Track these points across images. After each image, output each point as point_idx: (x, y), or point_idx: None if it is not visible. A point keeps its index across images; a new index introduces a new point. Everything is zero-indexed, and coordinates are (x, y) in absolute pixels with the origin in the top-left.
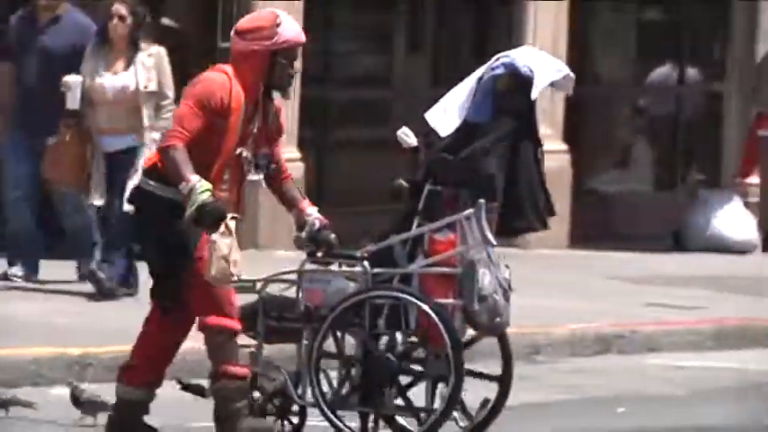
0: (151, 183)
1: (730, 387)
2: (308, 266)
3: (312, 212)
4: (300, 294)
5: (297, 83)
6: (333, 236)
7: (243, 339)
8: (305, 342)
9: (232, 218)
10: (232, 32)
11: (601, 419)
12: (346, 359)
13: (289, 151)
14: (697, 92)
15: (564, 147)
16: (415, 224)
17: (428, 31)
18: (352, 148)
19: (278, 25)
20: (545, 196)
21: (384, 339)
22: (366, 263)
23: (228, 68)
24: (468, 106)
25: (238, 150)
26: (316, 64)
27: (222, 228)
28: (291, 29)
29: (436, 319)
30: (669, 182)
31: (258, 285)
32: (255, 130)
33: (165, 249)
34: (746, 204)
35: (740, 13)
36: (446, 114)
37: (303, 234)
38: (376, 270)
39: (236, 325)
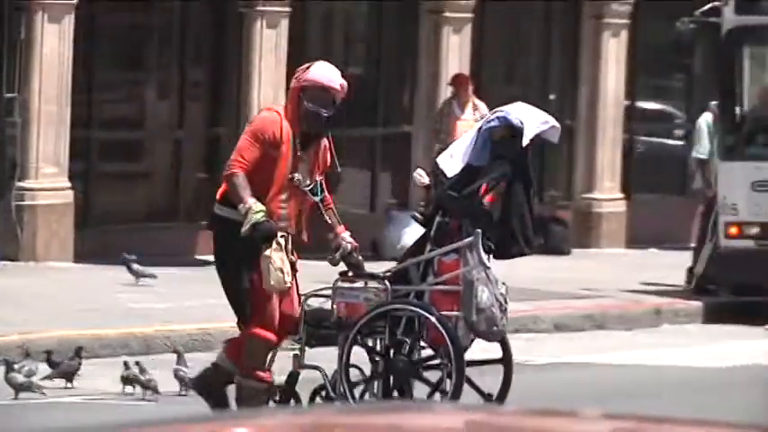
0: (224, 208)
1: None
2: (340, 284)
3: (346, 237)
4: (334, 306)
5: (68, 124)
6: (360, 258)
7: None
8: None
9: (281, 236)
10: None
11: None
12: (372, 361)
13: (60, 181)
14: (389, 133)
15: None
16: (427, 249)
17: (173, 83)
18: (112, 179)
19: (308, 69)
20: (533, 226)
21: (402, 345)
22: (387, 281)
23: (280, 108)
24: (470, 152)
25: (291, 175)
26: (81, 110)
27: (274, 244)
28: (318, 73)
29: (441, 329)
30: (369, 203)
31: (301, 299)
32: (307, 160)
33: (239, 265)
34: None
35: (425, 67)
36: (452, 159)
37: (337, 255)
38: (395, 287)
39: (275, 338)
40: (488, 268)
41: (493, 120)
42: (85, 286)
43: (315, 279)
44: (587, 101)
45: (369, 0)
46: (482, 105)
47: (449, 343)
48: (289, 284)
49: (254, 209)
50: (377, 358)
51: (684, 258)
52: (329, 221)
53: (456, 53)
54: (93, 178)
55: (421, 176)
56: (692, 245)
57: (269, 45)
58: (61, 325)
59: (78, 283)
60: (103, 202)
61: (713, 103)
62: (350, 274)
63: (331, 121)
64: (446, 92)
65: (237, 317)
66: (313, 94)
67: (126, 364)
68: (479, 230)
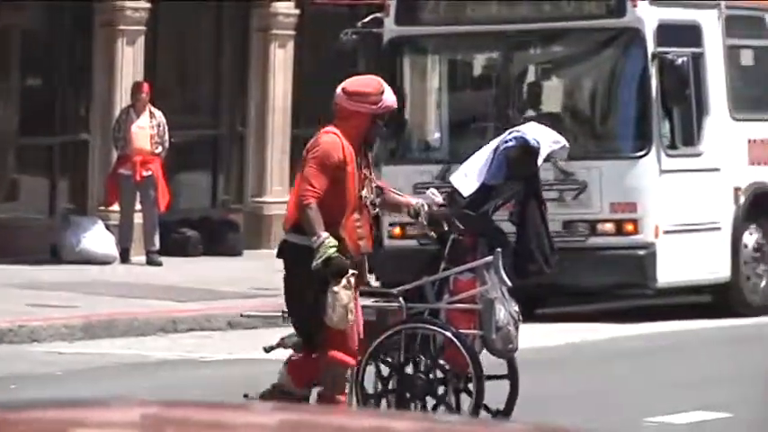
0: (297, 236)
1: (98, 367)
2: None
3: (418, 200)
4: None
5: None
6: (446, 210)
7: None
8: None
9: (352, 274)
10: (339, 91)
11: None
12: (385, 378)
13: None
14: (67, 140)
15: None
16: (441, 267)
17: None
18: None
19: (382, 93)
20: (549, 244)
21: (418, 363)
22: (401, 299)
23: (335, 128)
24: (486, 171)
25: (360, 193)
26: None
27: (344, 281)
28: (391, 97)
29: (461, 347)
30: (48, 209)
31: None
32: (368, 175)
33: (315, 293)
34: (108, 227)
35: (100, 77)
36: (467, 178)
37: (422, 220)
38: (410, 305)
39: (353, 361)
40: (509, 286)
41: (510, 140)
42: None
43: None
44: (257, 109)
45: (44, 15)
46: (158, 113)
47: (469, 361)
48: (351, 323)
49: (327, 243)
50: (392, 376)
51: None
52: (395, 202)
53: (130, 64)
54: None
55: (434, 195)
56: None
57: None
58: None
59: None
60: None
61: None
62: (432, 233)
63: None
64: (122, 101)
65: (304, 344)
66: (383, 117)
67: None
68: (499, 249)
